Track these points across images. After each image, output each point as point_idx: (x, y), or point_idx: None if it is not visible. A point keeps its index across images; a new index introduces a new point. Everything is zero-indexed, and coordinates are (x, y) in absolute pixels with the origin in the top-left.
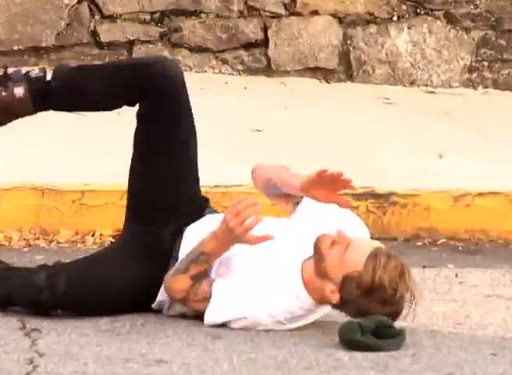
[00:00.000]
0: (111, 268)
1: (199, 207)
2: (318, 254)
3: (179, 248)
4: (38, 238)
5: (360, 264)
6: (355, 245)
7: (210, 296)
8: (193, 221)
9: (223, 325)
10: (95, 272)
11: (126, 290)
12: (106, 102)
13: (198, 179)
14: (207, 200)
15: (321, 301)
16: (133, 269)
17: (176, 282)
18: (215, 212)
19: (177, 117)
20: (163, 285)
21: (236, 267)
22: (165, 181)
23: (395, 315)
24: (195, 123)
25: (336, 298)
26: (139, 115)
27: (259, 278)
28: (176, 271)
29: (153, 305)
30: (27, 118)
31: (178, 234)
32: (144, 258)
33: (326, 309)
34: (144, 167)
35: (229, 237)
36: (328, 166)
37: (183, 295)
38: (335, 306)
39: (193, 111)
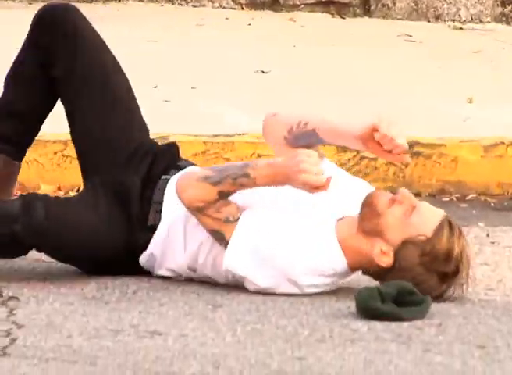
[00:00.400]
0: (85, 205)
1: (165, 154)
2: (371, 209)
3: (161, 194)
4: (16, 194)
5: (429, 230)
6: (422, 209)
7: (234, 220)
8: (167, 170)
9: (230, 288)
10: (72, 205)
11: (100, 231)
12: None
13: (144, 125)
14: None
15: (355, 264)
16: (102, 209)
17: (198, 188)
18: (193, 164)
19: (75, 58)
20: (175, 188)
21: (266, 208)
22: (103, 135)
23: (443, 294)
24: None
25: (387, 260)
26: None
27: (290, 228)
28: (204, 179)
29: (140, 260)
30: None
31: (151, 182)
32: (112, 202)
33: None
34: (76, 125)
35: (287, 173)
36: (342, 112)
37: (201, 205)
38: (375, 273)
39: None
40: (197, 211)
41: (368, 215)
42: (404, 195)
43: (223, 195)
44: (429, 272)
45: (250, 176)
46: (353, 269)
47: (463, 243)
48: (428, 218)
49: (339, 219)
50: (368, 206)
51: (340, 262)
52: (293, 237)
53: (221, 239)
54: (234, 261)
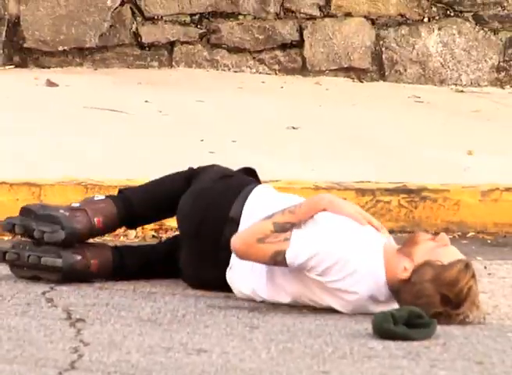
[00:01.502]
0: None
1: None
2: (413, 239)
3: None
4: None
5: (447, 260)
6: (452, 249)
7: (290, 236)
8: None
9: (265, 312)
10: None
11: None
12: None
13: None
14: None
15: (388, 274)
16: None
17: (253, 226)
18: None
19: None
20: (232, 243)
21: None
22: None
23: (446, 318)
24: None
25: (406, 274)
26: None
27: (340, 237)
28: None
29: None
30: (69, 115)
31: None
32: None
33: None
34: None
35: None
36: (361, 162)
37: (259, 237)
38: (395, 285)
39: (231, 110)
40: (259, 242)
41: (409, 242)
42: (442, 236)
43: (278, 225)
44: (435, 291)
45: (295, 207)
46: (387, 280)
47: (471, 283)
48: (451, 253)
49: (387, 242)
50: (411, 238)
51: (380, 270)
52: (349, 241)
53: (283, 259)
54: (294, 255)
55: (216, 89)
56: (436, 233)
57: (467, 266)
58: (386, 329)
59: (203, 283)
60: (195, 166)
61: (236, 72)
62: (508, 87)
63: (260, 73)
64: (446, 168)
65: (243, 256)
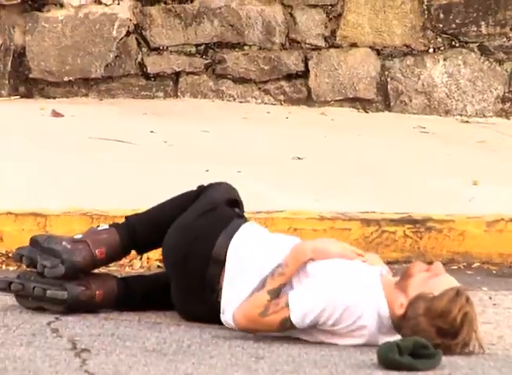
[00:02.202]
0: None
1: None
2: (408, 271)
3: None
4: None
5: (439, 290)
6: (444, 277)
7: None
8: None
9: (270, 342)
10: None
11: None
12: None
13: None
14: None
15: (392, 314)
16: None
17: (251, 300)
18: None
19: None
20: (232, 318)
21: (312, 273)
22: None
23: (446, 349)
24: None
25: (402, 310)
26: None
27: (338, 284)
28: (252, 293)
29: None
30: (74, 145)
31: None
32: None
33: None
34: None
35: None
36: (366, 193)
37: (260, 310)
38: (395, 321)
39: (236, 140)
40: (262, 316)
41: (404, 275)
42: (436, 266)
43: (272, 292)
44: (429, 324)
45: (281, 265)
46: (390, 315)
47: (467, 309)
48: (442, 283)
49: (382, 274)
50: (407, 270)
51: (383, 305)
52: (348, 285)
53: (291, 325)
54: (300, 318)
55: (221, 119)
56: (442, 264)
57: (458, 292)
58: (391, 359)
59: (194, 317)
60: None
61: (241, 102)
62: None
63: (265, 103)
64: (451, 198)
65: (251, 331)
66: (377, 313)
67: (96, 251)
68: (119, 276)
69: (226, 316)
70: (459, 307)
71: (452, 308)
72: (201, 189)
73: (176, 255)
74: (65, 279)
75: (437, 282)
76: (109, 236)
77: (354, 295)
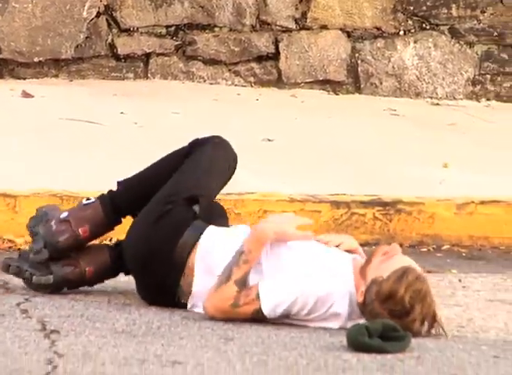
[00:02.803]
0: None
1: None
2: (369, 257)
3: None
4: None
5: (388, 271)
6: (397, 257)
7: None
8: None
9: (240, 324)
10: None
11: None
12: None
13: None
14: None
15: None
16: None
17: (219, 292)
18: None
19: None
20: (204, 310)
21: (285, 266)
22: None
23: (406, 330)
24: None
25: (362, 298)
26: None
27: (309, 274)
28: (217, 286)
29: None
30: (44, 126)
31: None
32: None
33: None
34: None
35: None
36: (336, 175)
37: (231, 302)
38: (360, 309)
39: (206, 121)
40: (234, 307)
41: (366, 261)
42: (392, 248)
43: (240, 282)
44: (381, 308)
45: (244, 252)
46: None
47: (415, 287)
48: (392, 264)
49: (354, 258)
50: (369, 256)
51: (353, 291)
52: (319, 273)
53: (263, 315)
54: (271, 309)
55: (192, 101)
56: (411, 246)
57: (405, 271)
58: (361, 342)
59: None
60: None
61: (211, 84)
62: (483, 100)
63: (235, 85)
64: (421, 181)
65: (219, 317)
66: (349, 299)
67: (79, 230)
68: (114, 242)
69: (197, 310)
70: (405, 286)
71: (398, 289)
72: (191, 147)
73: (137, 262)
74: (53, 260)
75: (388, 264)
76: (93, 211)
77: (326, 284)
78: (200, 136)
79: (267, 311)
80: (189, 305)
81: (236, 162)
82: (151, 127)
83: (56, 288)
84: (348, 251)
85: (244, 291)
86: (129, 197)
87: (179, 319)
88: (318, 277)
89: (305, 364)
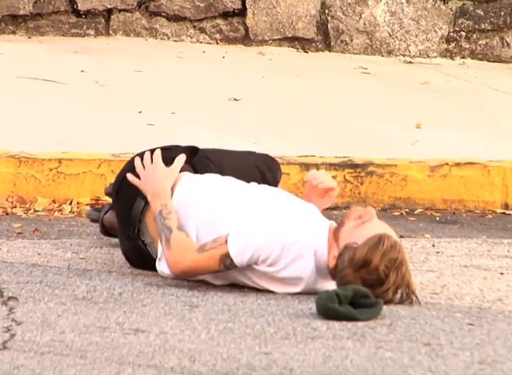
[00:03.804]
0: None
1: None
2: (342, 220)
3: None
4: (15, 206)
5: (363, 238)
6: (372, 223)
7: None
8: None
9: (205, 290)
10: None
11: None
12: None
13: None
14: None
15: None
16: None
17: (175, 245)
18: None
19: None
20: (169, 270)
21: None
22: None
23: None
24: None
25: (333, 262)
26: None
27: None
28: (165, 241)
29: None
30: (1, 85)
31: None
32: None
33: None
34: None
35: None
36: (305, 136)
37: (196, 247)
38: (331, 273)
39: (170, 80)
40: (200, 252)
41: (339, 224)
42: (366, 211)
43: (181, 227)
44: (355, 276)
45: (164, 208)
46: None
47: (391, 256)
48: (367, 230)
49: (330, 224)
50: (342, 218)
51: (325, 253)
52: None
53: (231, 261)
54: (239, 255)
55: (155, 59)
56: (383, 210)
57: (380, 239)
58: (331, 309)
59: (126, 257)
60: (132, 138)
61: (175, 41)
62: (458, 58)
63: (200, 42)
64: (393, 142)
65: (188, 274)
66: (317, 257)
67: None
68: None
69: (162, 266)
70: (380, 255)
71: (373, 257)
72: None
73: (113, 187)
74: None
75: (363, 230)
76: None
77: (296, 234)
78: (163, 96)
79: (235, 254)
80: (159, 255)
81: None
82: (113, 86)
83: (100, 229)
84: (327, 190)
85: (214, 238)
86: None
87: (141, 286)
88: (290, 225)
89: (272, 332)
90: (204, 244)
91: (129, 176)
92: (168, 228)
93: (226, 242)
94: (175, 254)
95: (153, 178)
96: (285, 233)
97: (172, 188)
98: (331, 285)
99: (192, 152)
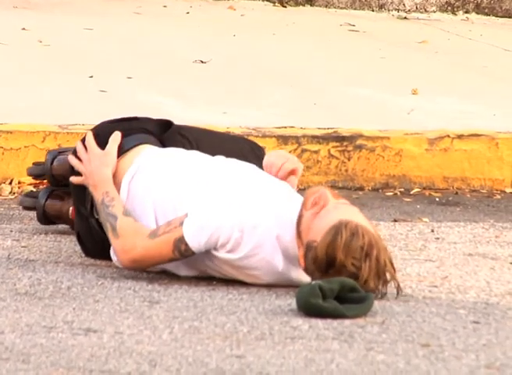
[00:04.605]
0: None
1: None
2: (300, 210)
3: None
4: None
5: (320, 234)
6: (327, 211)
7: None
8: None
9: (167, 284)
10: None
11: None
12: None
13: None
14: None
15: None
16: None
17: (123, 233)
18: None
19: None
20: (119, 262)
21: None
22: None
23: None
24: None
25: (302, 263)
26: None
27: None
28: (112, 230)
29: None
30: None
31: None
32: None
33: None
34: None
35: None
36: (284, 104)
37: (147, 233)
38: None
39: (126, 40)
40: (152, 237)
41: (299, 215)
42: (320, 196)
43: (127, 211)
44: (324, 276)
45: (108, 195)
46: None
47: (355, 246)
48: (323, 223)
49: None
50: (301, 207)
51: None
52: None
53: (186, 245)
54: (194, 233)
55: (108, 14)
56: (374, 189)
57: (337, 230)
58: (313, 304)
59: (79, 241)
60: (81, 108)
61: None
62: (461, 13)
63: None
64: (385, 111)
65: (140, 265)
66: (282, 244)
67: None
68: None
69: None
70: (342, 249)
71: (335, 254)
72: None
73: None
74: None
75: (319, 223)
76: None
77: (258, 216)
78: (118, 58)
79: (190, 237)
80: (112, 250)
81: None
82: (59, 46)
83: (40, 217)
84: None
85: (167, 222)
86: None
87: (93, 278)
88: (250, 206)
89: (246, 332)
90: (156, 228)
91: (73, 179)
92: (112, 215)
93: (181, 224)
94: (123, 242)
95: (90, 169)
96: (246, 215)
97: (123, 168)
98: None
99: (164, 127)
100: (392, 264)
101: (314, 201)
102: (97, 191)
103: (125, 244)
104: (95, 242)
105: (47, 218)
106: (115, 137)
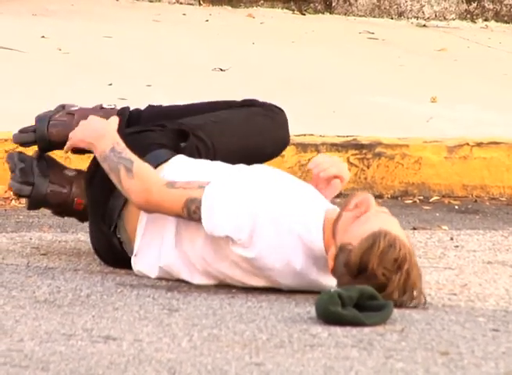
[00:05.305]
0: None
1: None
2: (340, 211)
3: None
4: None
5: (357, 239)
6: (367, 217)
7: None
8: None
9: (186, 291)
10: None
11: None
12: None
13: None
14: None
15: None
16: None
17: (138, 173)
18: None
19: None
20: (131, 192)
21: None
22: None
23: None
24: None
25: (331, 263)
26: None
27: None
28: (127, 171)
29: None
30: None
31: None
32: None
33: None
34: None
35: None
36: (303, 112)
37: (164, 182)
38: (331, 272)
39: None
40: (169, 187)
41: (337, 215)
42: (362, 201)
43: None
44: (353, 282)
45: (116, 147)
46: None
47: (390, 258)
48: (362, 228)
49: (327, 210)
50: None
51: (317, 238)
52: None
53: (196, 208)
54: (209, 202)
55: (127, 22)
56: (394, 197)
57: (375, 239)
58: (332, 312)
59: (97, 253)
60: None
61: (151, 1)
62: (480, 21)
63: (180, 3)
64: (404, 119)
65: (156, 208)
66: (306, 245)
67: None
68: None
69: (139, 264)
70: (376, 259)
71: (368, 262)
72: (243, 102)
73: (85, 176)
74: (41, 151)
75: (358, 227)
76: (105, 116)
77: (280, 211)
78: (137, 66)
79: (205, 198)
80: (134, 251)
81: (282, 145)
82: (79, 54)
83: (34, 205)
84: (330, 179)
85: (189, 181)
86: (148, 119)
87: (112, 286)
88: (272, 201)
89: (265, 339)
90: (174, 181)
91: (66, 148)
92: (127, 159)
93: (200, 187)
94: (139, 183)
95: (89, 127)
96: (267, 208)
97: None
98: (332, 280)
99: (177, 132)
100: (421, 281)
101: (356, 204)
102: (104, 141)
103: (142, 184)
104: (114, 256)
105: (42, 203)
106: (115, 119)
